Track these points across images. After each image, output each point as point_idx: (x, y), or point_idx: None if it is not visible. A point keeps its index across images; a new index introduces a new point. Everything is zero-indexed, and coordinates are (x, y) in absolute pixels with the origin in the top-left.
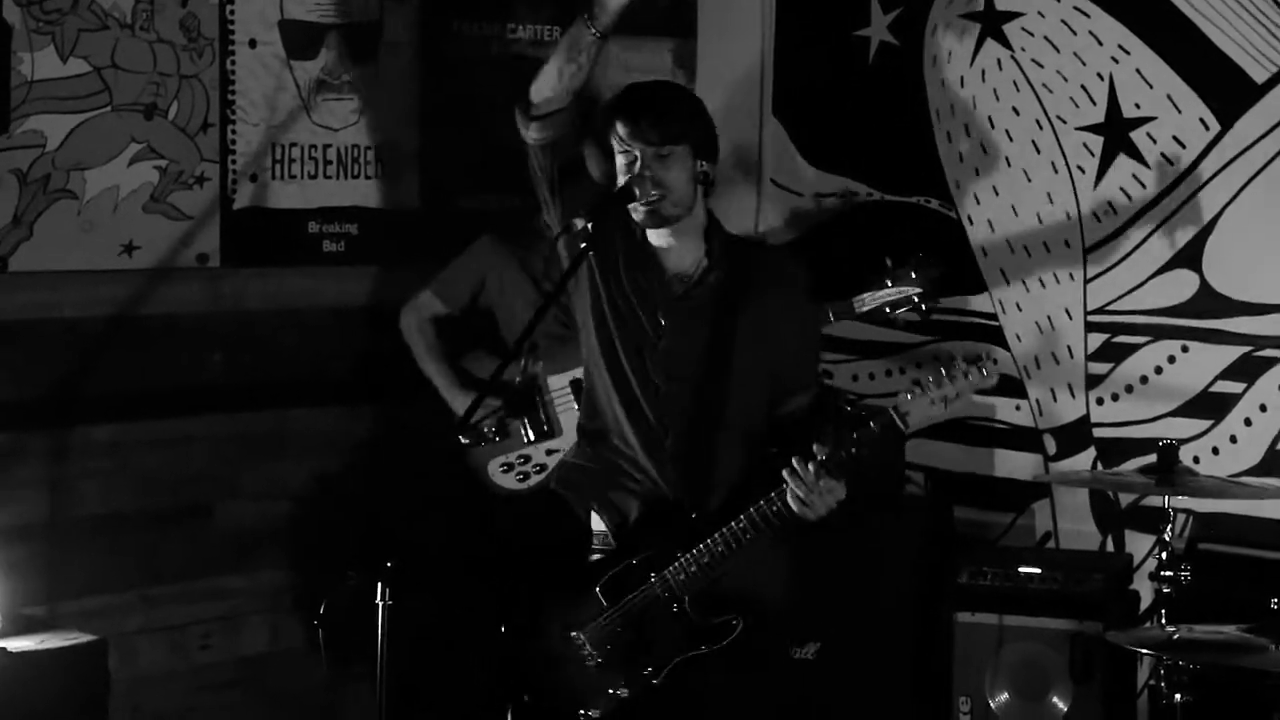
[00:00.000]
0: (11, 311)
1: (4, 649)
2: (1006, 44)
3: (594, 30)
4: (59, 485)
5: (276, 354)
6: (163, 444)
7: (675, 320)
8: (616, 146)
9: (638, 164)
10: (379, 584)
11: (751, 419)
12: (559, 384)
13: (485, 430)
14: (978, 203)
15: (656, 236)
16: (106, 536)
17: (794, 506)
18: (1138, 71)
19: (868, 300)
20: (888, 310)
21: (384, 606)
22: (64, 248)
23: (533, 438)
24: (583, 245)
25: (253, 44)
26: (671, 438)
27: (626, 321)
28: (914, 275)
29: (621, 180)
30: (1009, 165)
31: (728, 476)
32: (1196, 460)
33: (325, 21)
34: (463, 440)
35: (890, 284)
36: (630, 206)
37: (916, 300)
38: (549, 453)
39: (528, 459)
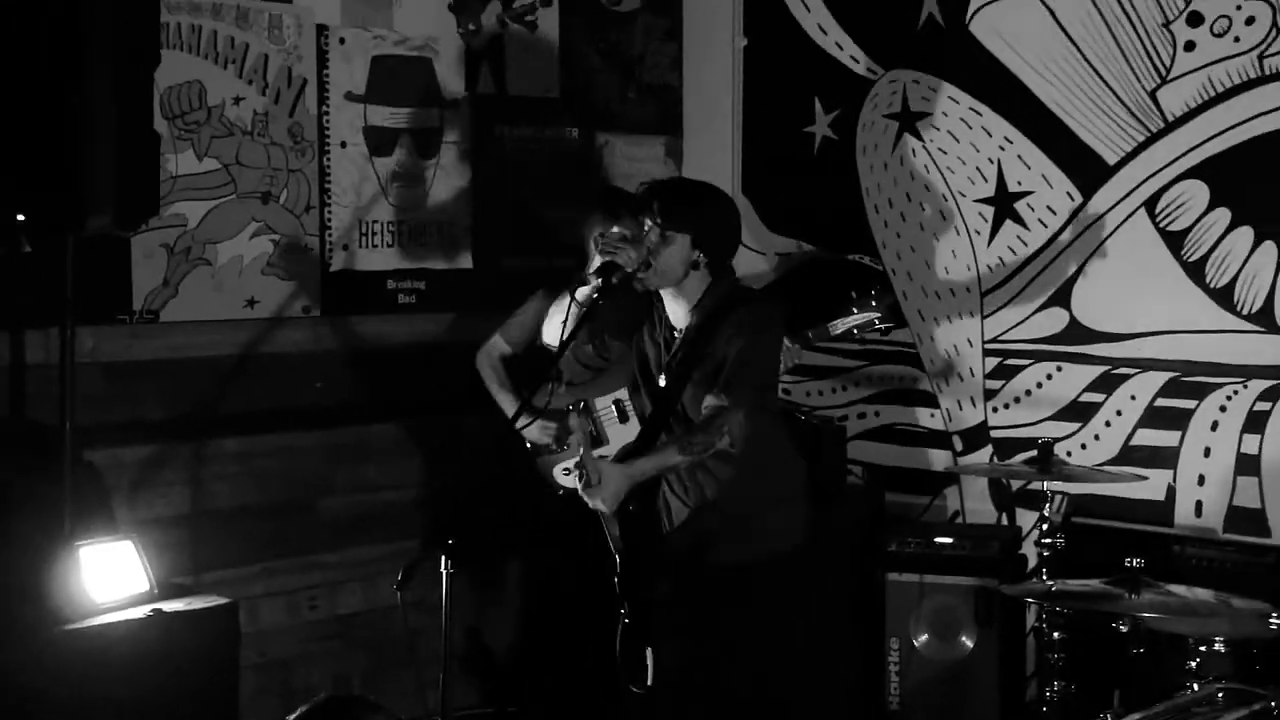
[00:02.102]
0: (162, 352)
1: (160, 609)
2: (919, 136)
3: None
4: (198, 484)
5: (362, 382)
6: (277, 453)
7: (667, 366)
8: (645, 218)
9: (646, 235)
10: (443, 556)
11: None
12: (604, 404)
13: (549, 442)
14: (899, 258)
15: (664, 298)
16: (235, 523)
17: None
18: (1019, 157)
19: (839, 325)
20: (855, 331)
21: (447, 574)
22: (201, 303)
23: (587, 443)
24: (594, 298)
25: (343, 145)
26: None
27: (645, 365)
28: (874, 303)
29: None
30: (922, 229)
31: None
32: (1069, 454)
33: (398, 127)
34: (529, 445)
35: (856, 311)
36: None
37: (878, 323)
38: (600, 458)
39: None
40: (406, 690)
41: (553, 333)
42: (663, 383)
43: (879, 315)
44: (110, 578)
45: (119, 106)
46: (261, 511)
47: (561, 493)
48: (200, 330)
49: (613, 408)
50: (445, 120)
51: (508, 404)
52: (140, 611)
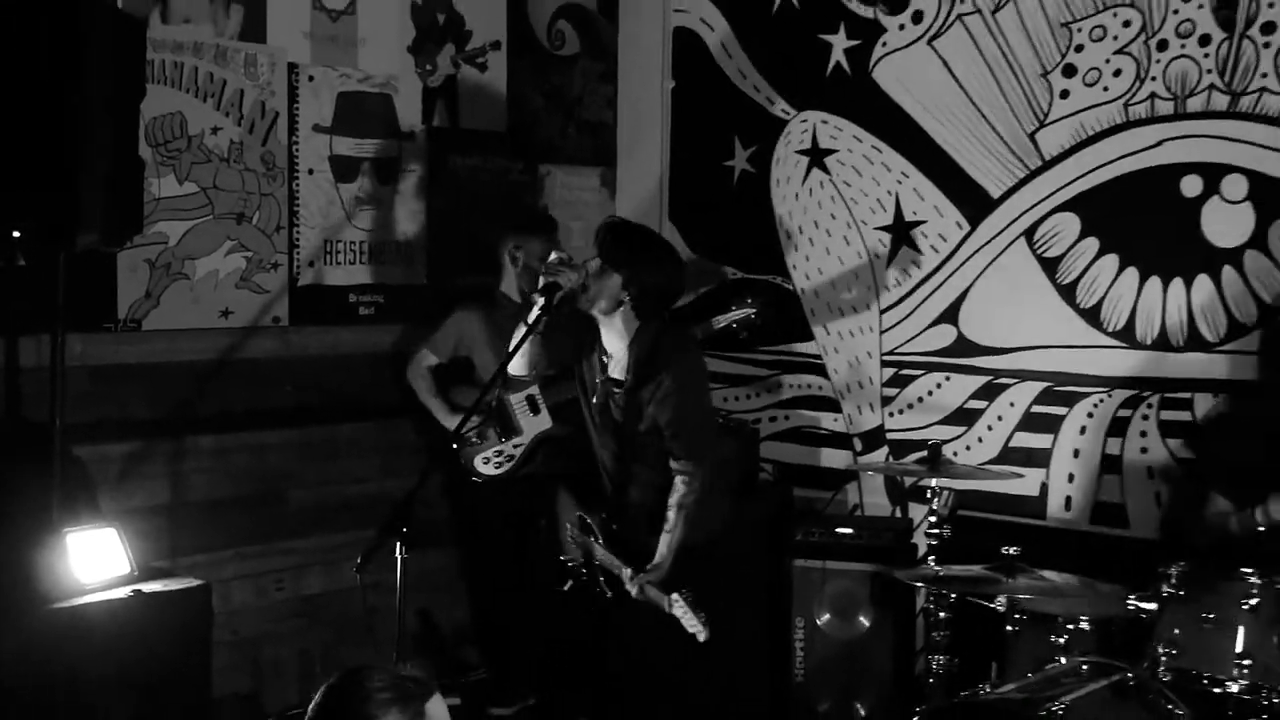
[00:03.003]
0: (145, 357)
1: (140, 590)
2: (826, 171)
3: None
4: (177, 478)
5: (328, 386)
6: (249, 449)
7: (611, 396)
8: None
9: (588, 263)
10: (398, 543)
11: (647, 467)
12: (518, 400)
13: (470, 438)
14: (807, 279)
15: (600, 325)
16: (210, 513)
17: None
18: (914, 190)
19: (720, 320)
20: (734, 325)
21: (401, 559)
22: (180, 313)
23: (503, 439)
24: (537, 315)
25: (311, 172)
26: (616, 459)
27: (584, 384)
28: (749, 301)
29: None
30: (828, 253)
31: (633, 499)
32: (955, 454)
33: (361, 156)
34: (454, 446)
35: (734, 309)
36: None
37: (753, 318)
38: (515, 447)
39: (501, 453)
40: (364, 660)
41: (518, 366)
42: (596, 400)
43: (754, 311)
44: (94, 561)
45: (108, 135)
46: (234, 502)
47: (480, 480)
48: (179, 338)
49: (525, 401)
50: (404, 150)
51: (437, 409)
52: (122, 592)
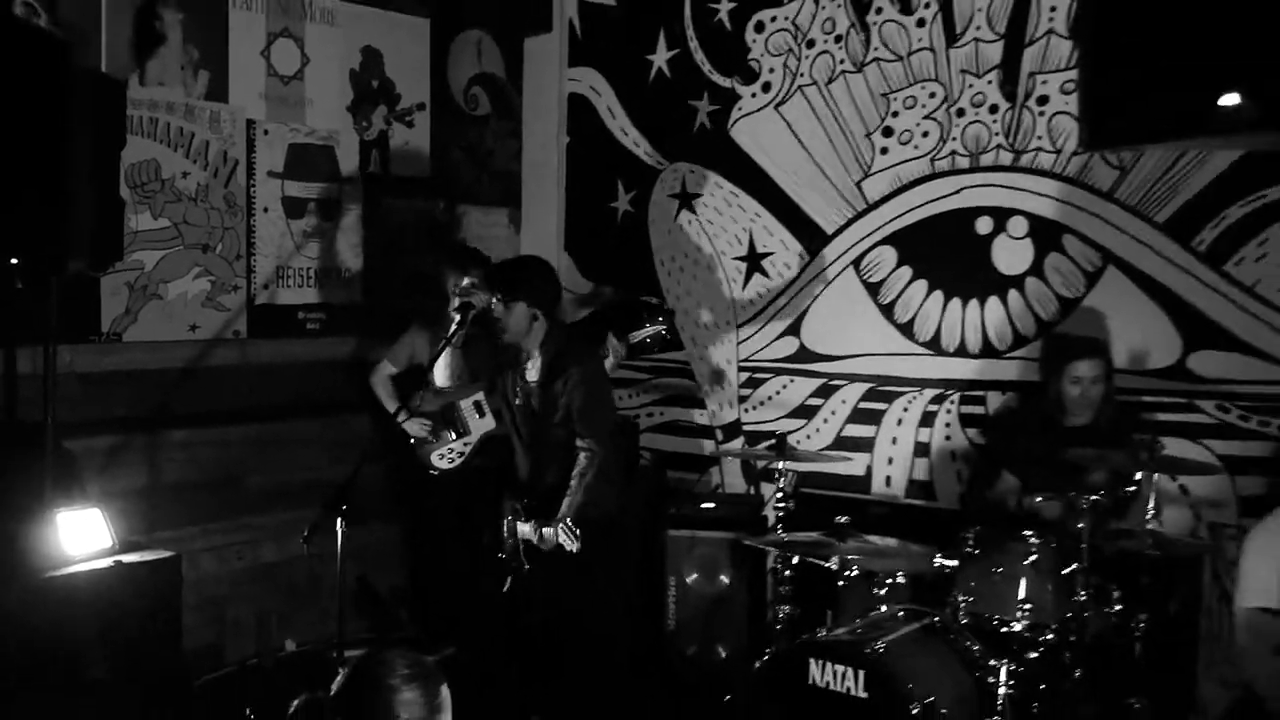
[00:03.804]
0: (125, 364)
1: (120, 560)
2: (693, 211)
3: None
4: (152, 466)
5: (281, 389)
6: (213, 442)
7: (529, 393)
8: (493, 297)
9: (495, 307)
10: (339, 519)
11: (560, 448)
12: (467, 404)
13: (427, 437)
14: (678, 300)
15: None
16: (180, 495)
17: None
18: (764, 227)
19: (634, 336)
20: (648, 340)
21: (341, 532)
22: (155, 327)
23: (454, 436)
24: (454, 327)
25: (266, 210)
26: (528, 454)
27: (505, 391)
28: (660, 319)
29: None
30: (695, 279)
31: (551, 477)
32: (798, 442)
33: (308, 197)
34: (411, 441)
35: (648, 325)
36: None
37: (664, 334)
38: (465, 445)
39: (452, 449)
40: (313, 621)
41: (440, 376)
42: (519, 401)
43: (665, 328)
44: (81, 536)
45: (93, 178)
46: (200, 486)
47: (435, 473)
48: (154, 349)
49: (473, 406)
50: (344, 193)
51: (392, 408)
52: (105, 562)
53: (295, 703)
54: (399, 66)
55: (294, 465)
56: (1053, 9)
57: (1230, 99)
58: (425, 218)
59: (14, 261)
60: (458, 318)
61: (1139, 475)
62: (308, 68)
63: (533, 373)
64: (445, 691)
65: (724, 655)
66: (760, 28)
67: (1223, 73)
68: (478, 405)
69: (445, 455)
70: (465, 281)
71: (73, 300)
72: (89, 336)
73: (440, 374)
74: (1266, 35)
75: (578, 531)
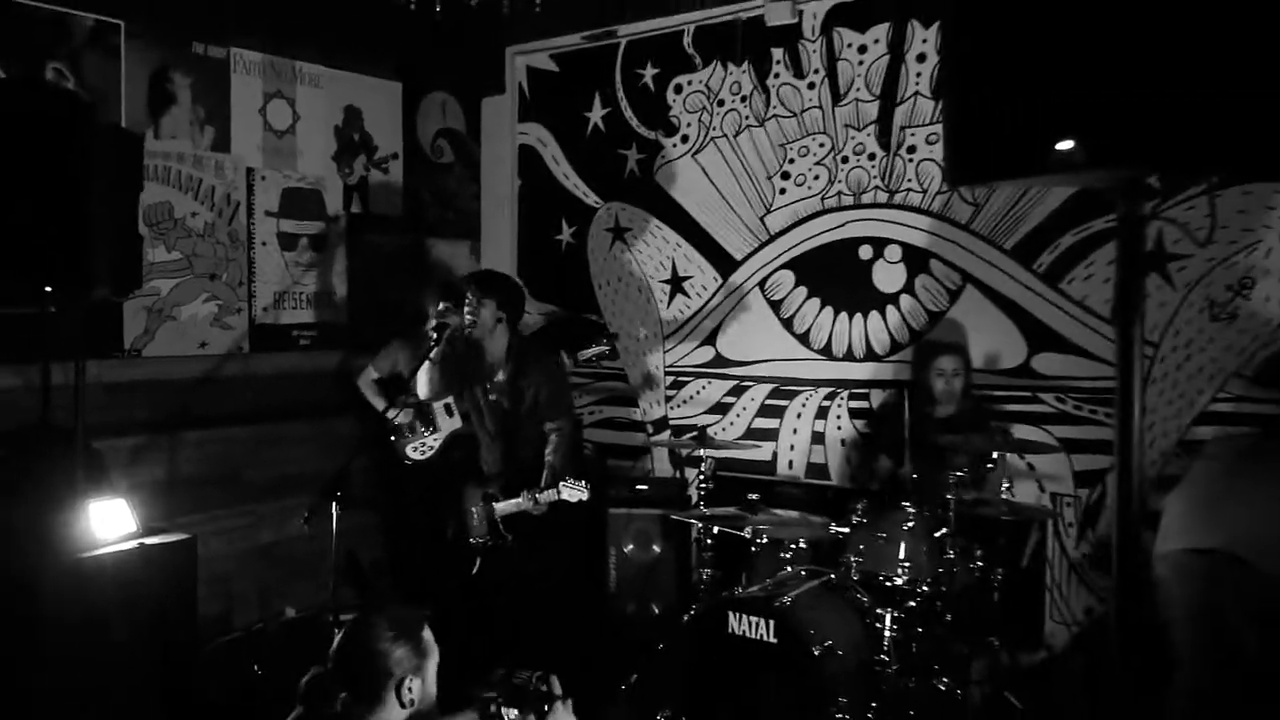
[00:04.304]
0: (145, 376)
1: (143, 543)
2: (625, 243)
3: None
4: (170, 462)
5: (277, 396)
6: (221, 441)
7: (498, 389)
8: (468, 294)
9: (467, 302)
10: (333, 503)
11: (530, 433)
12: (439, 405)
13: (404, 431)
14: (614, 317)
15: (485, 346)
16: (194, 487)
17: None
18: (685, 255)
19: (584, 354)
20: (593, 358)
21: (336, 515)
22: (170, 344)
23: (427, 432)
24: (431, 344)
25: (264, 244)
26: (497, 444)
27: (475, 395)
28: (605, 340)
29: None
30: (627, 299)
31: (523, 459)
32: (715, 434)
33: (300, 233)
34: (391, 437)
35: (594, 345)
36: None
37: (608, 352)
38: (435, 440)
39: (425, 443)
40: (309, 592)
41: (423, 389)
42: (493, 398)
43: (608, 348)
44: (108, 523)
45: (115, 218)
46: (212, 479)
47: (410, 464)
48: (170, 363)
49: (443, 407)
50: (330, 229)
51: (378, 405)
52: (130, 544)
53: (304, 679)
54: (376, 122)
55: (288, 460)
56: (918, 75)
57: (1065, 144)
58: (401, 249)
59: (48, 289)
60: (435, 335)
61: (995, 455)
62: (298, 123)
63: (500, 373)
64: (428, 635)
65: (657, 611)
66: (679, 89)
67: (1059, 122)
68: (447, 407)
69: (418, 448)
70: (441, 305)
71: (98, 322)
72: (113, 353)
73: (422, 386)
74: (1093, 91)
75: (583, 482)
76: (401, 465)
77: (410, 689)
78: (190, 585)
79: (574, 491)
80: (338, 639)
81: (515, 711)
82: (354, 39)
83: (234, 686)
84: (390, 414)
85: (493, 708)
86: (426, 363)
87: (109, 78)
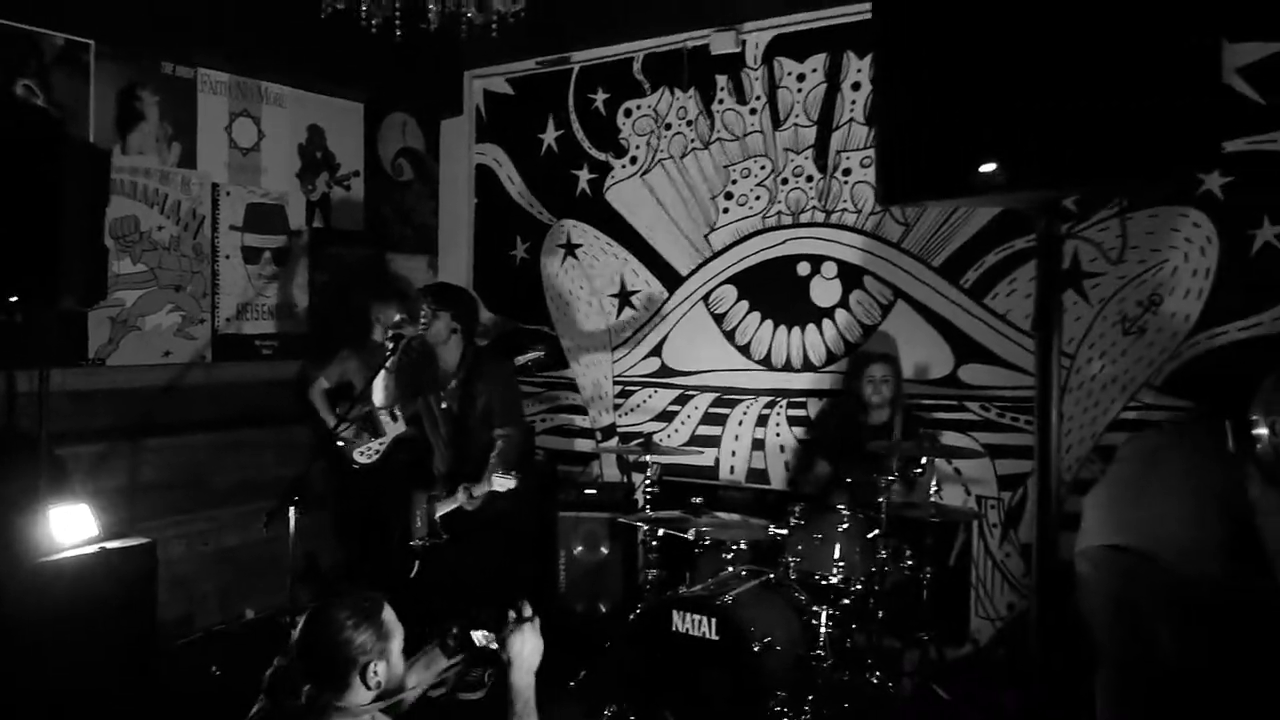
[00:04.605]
0: (109, 384)
1: (104, 547)
2: (576, 258)
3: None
4: (131, 467)
5: (239, 403)
6: (183, 448)
7: (450, 396)
8: (424, 306)
9: (423, 313)
10: (291, 508)
11: (481, 439)
12: (384, 412)
13: (350, 437)
14: (565, 329)
15: (439, 354)
16: (155, 492)
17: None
18: (633, 270)
19: (521, 359)
20: (529, 364)
21: (294, 518)
22: (134, 354)
23: (373, 438)
24: (388, 354)
25: (228, 257)
26: (450, 450)
27: (428, 401)
28: (540, 347)
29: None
30: (579, 312)
31: (473, 454)
32: (661, 440)
33: (263, 247)
34: (339, 442)
35: (529, 352)
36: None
37: (541, 358)
38: (380, 444)
39: (370, 448)
40: (268, 591)
41: (379, 397)
42: (445, 405)
43: (542, 354)
44: (71, 528)
45: (82, 231)
46: (172, 484)
47: (357, 468)
48: (133, 372)
49: (388, 413)
50: (293, 243)
51: (327, 416)
52: (91, 549)
53: (268, 672)
54: (338, 141)
55: (249, 466)
56: (853, 102)
57: (987, 167)
58: (361, 263)
59: (14, 299)
60: (391, 345)
61: (924, 460)
62: (263, 141)
63: (454, 382)
64: (389, 615)
65: (605, 610)
66: (628, 113)
67: (982, 147)
68: (392, 413)
69: (365, 452)
70: (397, 317)
71: (64, 331)
72: (78, 361)
73: (378, 394)
74: (1013, 118)
75: (512, 471)
76: (350, 470)
77: (376, 671)
78: (150, 588)
79: (503, 481)
80: (298, 630)
81: (483, 632)
82: (318, 61)
83: (194, 687)
84: (340, 428)
85: (450, 640)
86: (383, 372)
87: (78, 95)
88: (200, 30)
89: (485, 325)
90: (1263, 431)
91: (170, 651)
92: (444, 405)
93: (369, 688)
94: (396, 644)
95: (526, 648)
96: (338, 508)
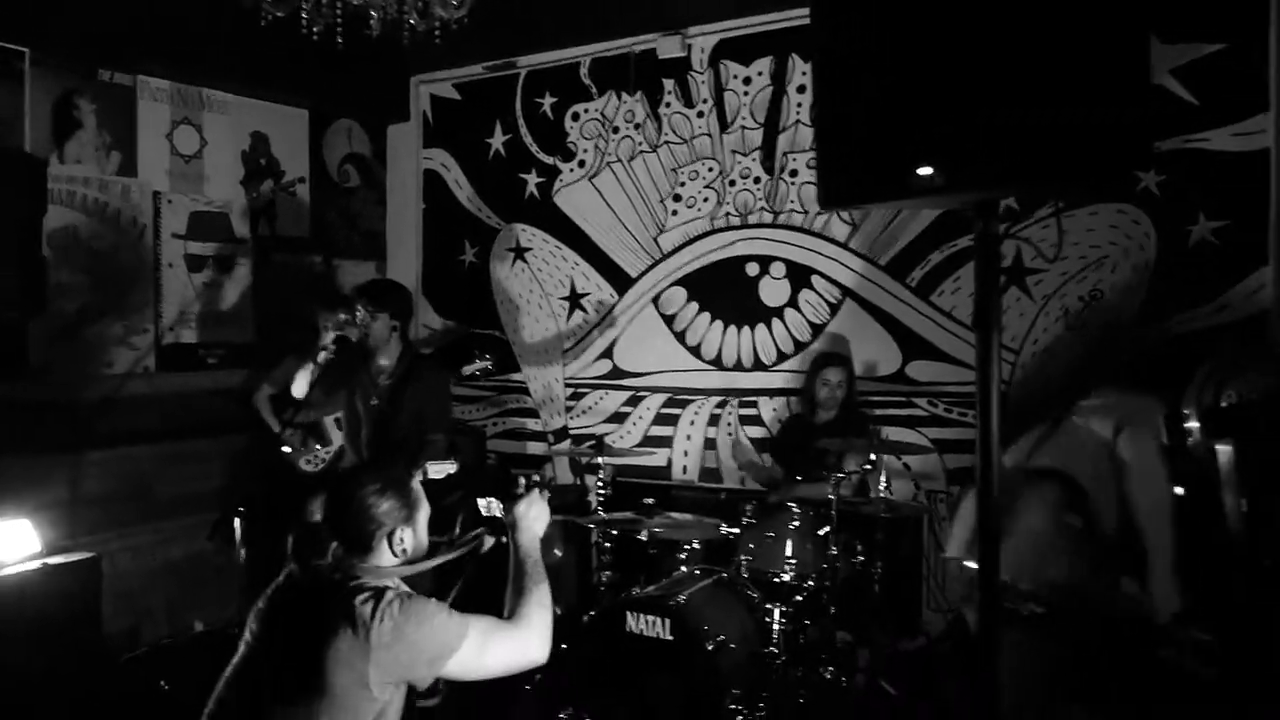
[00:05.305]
0: (50, 395)
1: (47, 562)
2: (526, 262)
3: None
4: (74, 480)
5: (184, 414)
6: (127, 459)
7: (381, 395)
8: (359, 309)
9: (360, 317)
10: (236, 519)
11: (407, 434)
12: (329, 420)
13: (295, 445)
14: (515, 333)
15: (376, 354)
16: (99, 505)
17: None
18: (583, 274)
19: (467, 369)
20: (476, 373)
21: (240, 529)
22: (75, 365)
23: (319, 446)
24: (326, 356)
25: (170, 265)
26: (369, 447)
27: (363, 394)
28: (488, 357)
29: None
30: (529, 315)
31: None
32: (613, 442)
33: (207, 254)
34: (284, 450)
35: (478, 361)
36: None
37: (490, 368)
38: (327, 453)
39: (317, 456)
40: (214, 604)
41: (299, 388)
42: (374, 403)
43: (490, 364)
44: (12, 544)
45: (19, 241)
46: (117, 497)
47: (302, 475)
48: (74, 382)
49: (334, 422)
50: (237, 251)
51: (272, 423)
52: (34, 564)
53: (289, 538)
54: (283, 148)
55: (196, 477)
56: (799, 104)
57: (924, 170)
58: (307, 270)
59: None
60: (333, 347)
61: (873, 456)
62: (205, 149)
63: (386, 379)
64: (417, 487)
65: (560, 613)
66: (576, 117)
67: (918, 150)
68: (338, 421)
69: (310, 460)
70: (342, 316)
71: (3, 343)
72: (17, 373)
73: (299, 386)
74: (947, 122)
75: (451, 457)
76: (296, 478)
77: (402, 539)
78: (95, 603)
79: (441, 468)
80: (326, 496)
81: (488, 499)
82: (262, 68)
83: (143, 703)
84: (286, 434)
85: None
86: (311, 365)
87: (12, 104)
88: (139, 38)
89: (435, 331)
90: (1193, 425)
91: (117, 666)
92: (374, 403)
93: (395, 554)
94: (423, 515)
95: (532, 511)
96: (286, 517)
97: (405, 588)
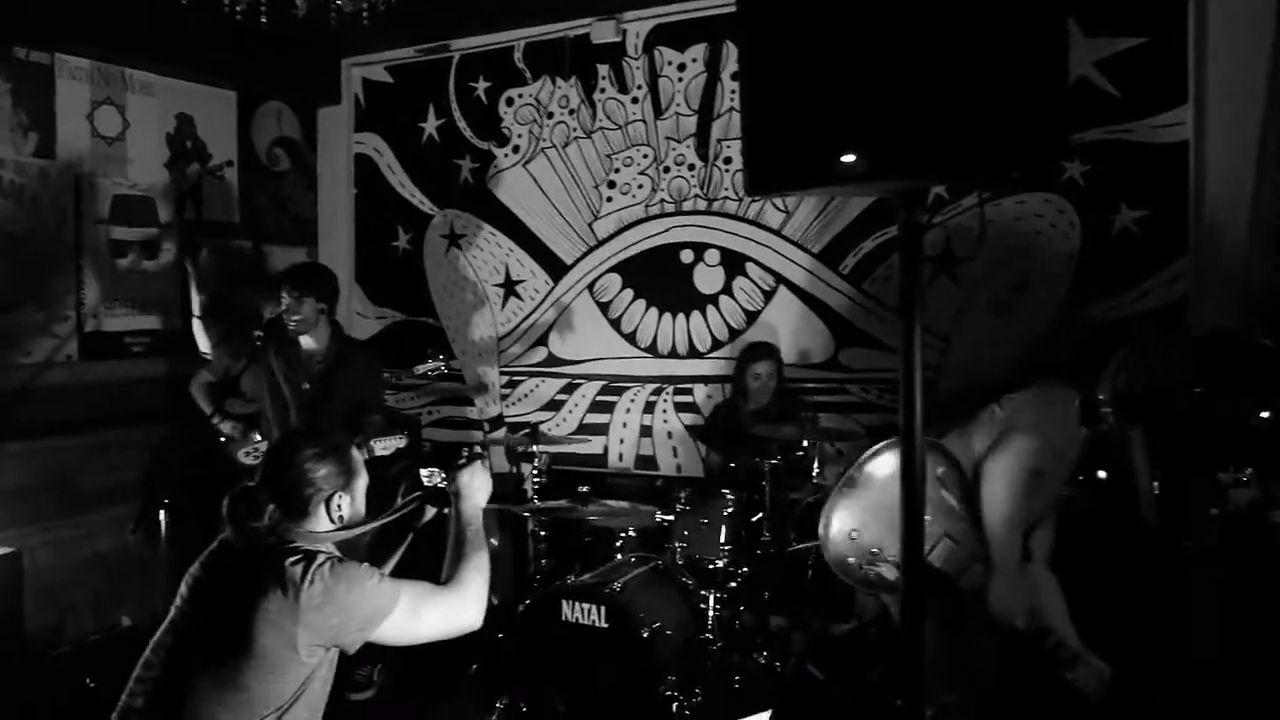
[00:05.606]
0: None
1: None
2: (460, 248)
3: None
4: None
5: (108, 403)
6: (50, 450)
7: (311, 379)
8: (284, 294)
9: (285, 302)
10: (161, 511)
11: (338, 417)
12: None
13: (235, 436)
14: (449, 320)
15: (303, 339)
16: (20, 498)
17: None
18: (518, 260)
19: (419, 369)
20: (430, 373)
21: (165, 522)
22: None
23: (259, 438)
24: (257, 344)
25: (93, 251)
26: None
27: (290, 378)
28: (441, 358)
29: (279, 313)
30: (464, 302)
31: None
32: (549, 430)
33: (131, 240)
34: (221, 440)
35: (430, 361)
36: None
37: (444, 370)
38: (262, 442)
39: (257, 448)
40: (142, 598)
41: (201, 340)
42: (305, 387)
43: (443, 364)
44: None
45: None
46: (38, 489)
47: (240, 466)
48: None
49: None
50: (162, 236)
51: (208, 410)
52: None
53: (225, 500)
54: (209, 130)
55: (121, 468)
56: (733, 91)
57: (848, 157)
58: (236, 255)
59: None
60: (260, 333)
61: (806, 443)
62: (128, 131)
63: (318, 364)
64: (356, 455)
65: (496, 602)
66: (510, 102)
67: (841, 137)
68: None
69: (250, 453)
70: (286, 302)
71: None
72: None
73: (201, 339)
74: (870, 110)
75: (400, 431)
76: (234, 471)
77: (340, 505)
78: (16, 600)
79: (389, 443)
80: (263, 459)
81: (430, 469)
82: (187, 47)
83: (68, 701)
84: (216, 419)
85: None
86: (251, 363)
87: None
88: (57, 14)
89: (368, 318)
90: (1107, 410)
91: (41, 664)
92: (304, 386)
93: (333, 520)
94: (361, 484)
95: (475, 480)
96: (217, 512)
97: (338, 553)
